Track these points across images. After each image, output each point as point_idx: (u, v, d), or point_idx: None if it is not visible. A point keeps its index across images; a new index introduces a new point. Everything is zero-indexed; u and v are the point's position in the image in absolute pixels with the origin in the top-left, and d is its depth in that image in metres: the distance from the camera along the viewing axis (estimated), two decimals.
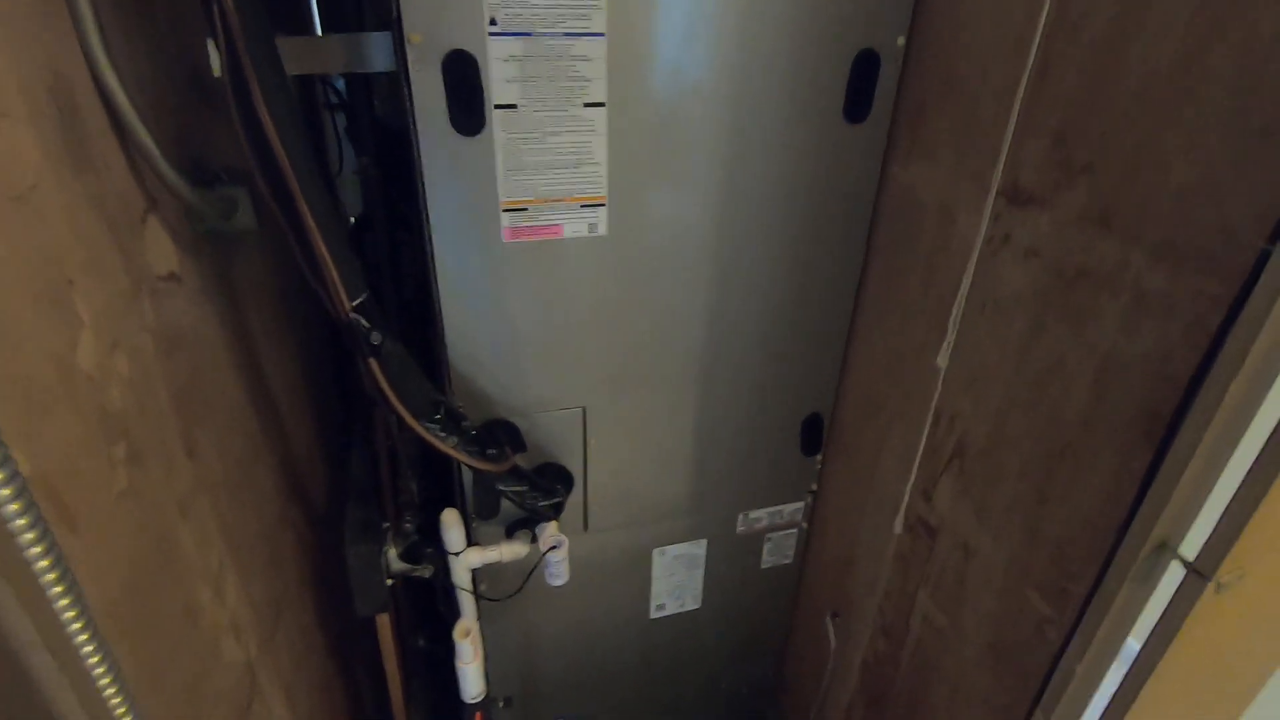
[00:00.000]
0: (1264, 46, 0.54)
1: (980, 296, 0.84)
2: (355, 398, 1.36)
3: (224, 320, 0.81)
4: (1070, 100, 0.70)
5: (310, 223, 0.70)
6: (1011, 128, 0.77)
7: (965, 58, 0.83)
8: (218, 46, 0.62)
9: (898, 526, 1.04)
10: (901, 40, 0.90)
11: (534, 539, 1.08)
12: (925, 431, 0.96)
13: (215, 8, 0.60)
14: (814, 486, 1.27)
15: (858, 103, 0.92)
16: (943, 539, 0.95)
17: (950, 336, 0.89)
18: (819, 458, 1.23)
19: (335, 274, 0.73)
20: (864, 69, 0.90)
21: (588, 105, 0.82)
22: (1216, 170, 0.58)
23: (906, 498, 1.01)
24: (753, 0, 0.82)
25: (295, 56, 0.76)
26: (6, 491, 0.38)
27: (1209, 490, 0.59)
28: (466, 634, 1.07)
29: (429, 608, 1.31)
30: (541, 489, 1.01)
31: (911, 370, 0.98)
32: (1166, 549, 0.62)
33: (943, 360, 0.90)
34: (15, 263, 0.45)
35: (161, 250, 0.68)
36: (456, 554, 1.03)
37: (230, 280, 0.84)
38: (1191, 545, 0.60)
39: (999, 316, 0.82)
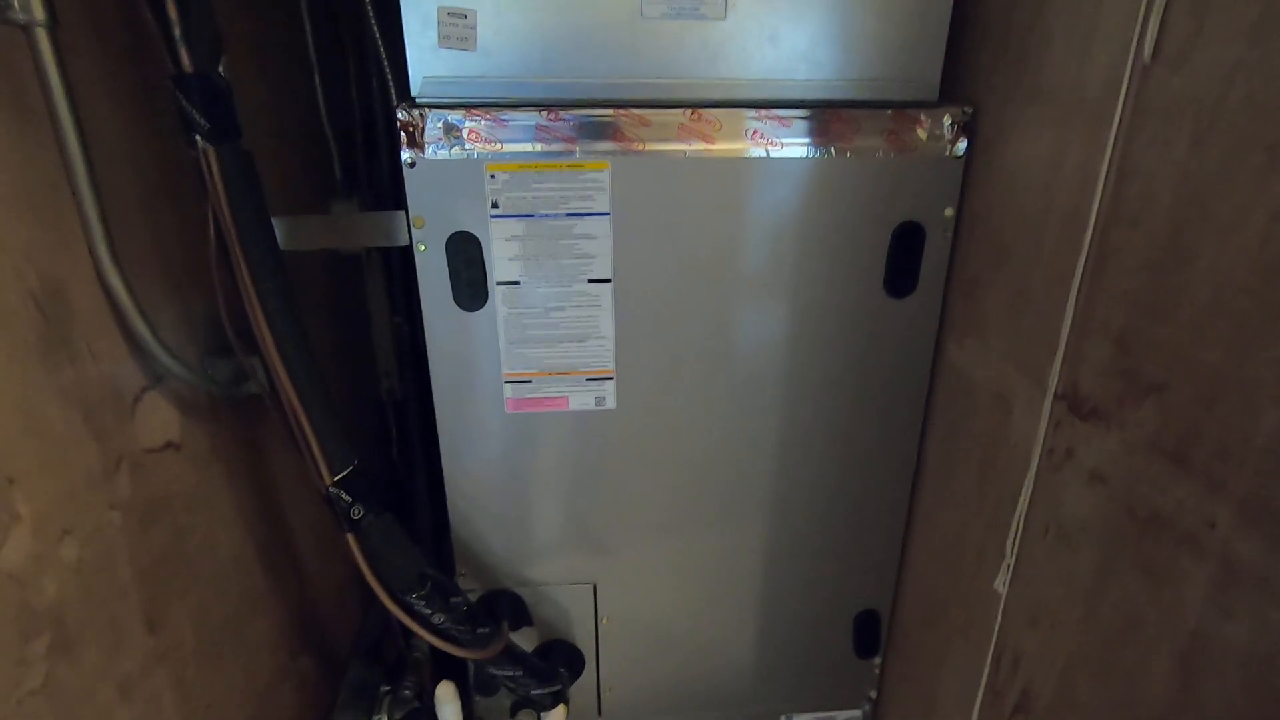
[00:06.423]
0: None
1: (1042, 517, 0.69)
2: None
3: (234, 479, 0.83)
4: (1134, 300, 0.58)
5: (292, 395, 0.70)
6: (1068, 321, 0.65)
7: (1017, 230, 0.73)
8: (210, 222, 0.66)
9: None
10: (950, 211, 0.81)
11: None
12: (987, 666, 0.78)
13: (208, 183, 0.64)
14: (873, 693, 1.08)
15: (900, 276, 0.82)
16: None
17: (1009, 559, 0.73)
18: (877, 661, 1.05)
19: (316, 446, 0.73)
20: (906, 241, 0.81)
21: (592, 281, 0.79)
22: None
23: None
24: (769, 168, 0.77)
25: (315, 232, 0.81)
26: None
27: None
28: None
29: None
30: (539, 674, 0.92)
31: (970, 583, 0.82)
32: None
33: (1001, 585, 0.74)
34: None
35: (158, 422, 0.71)
36: None
37: (249, 439, 0.87)
38: None
39: (1063, 546, 0.66)
